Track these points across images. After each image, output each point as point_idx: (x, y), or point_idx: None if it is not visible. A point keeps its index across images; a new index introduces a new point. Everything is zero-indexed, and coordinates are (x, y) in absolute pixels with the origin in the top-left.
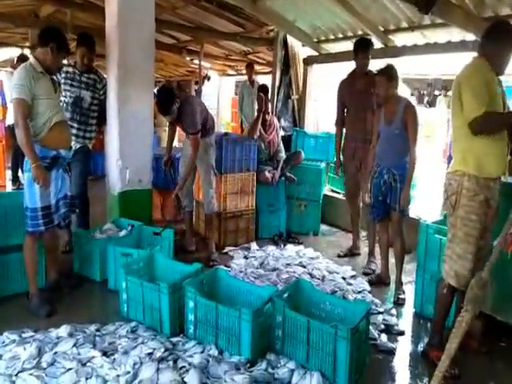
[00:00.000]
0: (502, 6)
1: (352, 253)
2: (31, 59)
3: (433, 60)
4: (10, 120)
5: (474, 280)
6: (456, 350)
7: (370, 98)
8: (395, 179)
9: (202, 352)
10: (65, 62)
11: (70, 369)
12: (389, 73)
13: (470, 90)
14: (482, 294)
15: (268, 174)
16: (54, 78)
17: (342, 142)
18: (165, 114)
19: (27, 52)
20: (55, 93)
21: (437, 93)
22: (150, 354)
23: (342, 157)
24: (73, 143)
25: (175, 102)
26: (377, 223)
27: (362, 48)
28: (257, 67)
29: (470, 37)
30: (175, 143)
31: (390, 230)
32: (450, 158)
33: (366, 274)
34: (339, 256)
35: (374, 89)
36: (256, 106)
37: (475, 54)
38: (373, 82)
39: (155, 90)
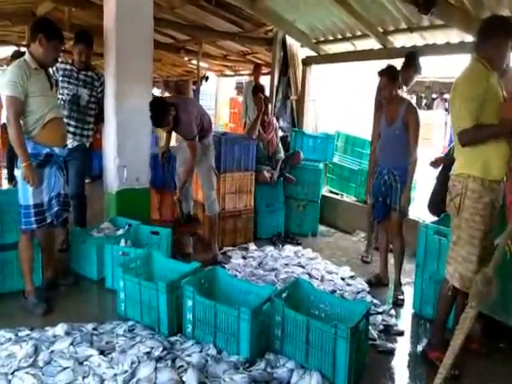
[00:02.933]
0: (500, 7)
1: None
2: (26, 55)
3: (431, 63)
4: (4, 118)
5: (479, 276)
6: (460, 347)
7: None
8: (395, 180)
9: (201, 351)
10: (61, 59)
11: (67, 367)
12: (391, 73)
13: (464, 101)
14: (486, 290)
15: (267, 174)
16: (51, 73)
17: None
18: (159, 126)
19: (24, 50)
20: (51, 89)
21: (434, 96)
22: (148, 353)
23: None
24: (70, 141)
25: (169, 112)
26: (376, 224)
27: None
28: None
29: (469, 38)
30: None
31: (388, 231)
32: None
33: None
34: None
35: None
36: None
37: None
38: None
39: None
